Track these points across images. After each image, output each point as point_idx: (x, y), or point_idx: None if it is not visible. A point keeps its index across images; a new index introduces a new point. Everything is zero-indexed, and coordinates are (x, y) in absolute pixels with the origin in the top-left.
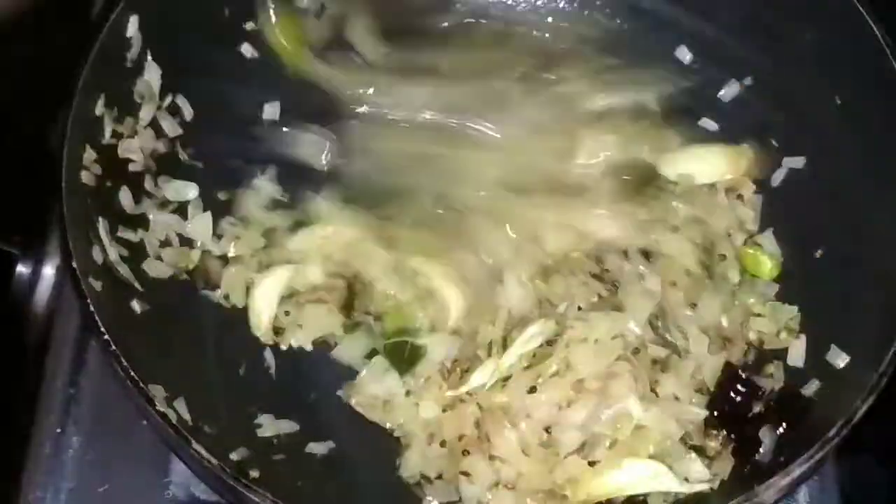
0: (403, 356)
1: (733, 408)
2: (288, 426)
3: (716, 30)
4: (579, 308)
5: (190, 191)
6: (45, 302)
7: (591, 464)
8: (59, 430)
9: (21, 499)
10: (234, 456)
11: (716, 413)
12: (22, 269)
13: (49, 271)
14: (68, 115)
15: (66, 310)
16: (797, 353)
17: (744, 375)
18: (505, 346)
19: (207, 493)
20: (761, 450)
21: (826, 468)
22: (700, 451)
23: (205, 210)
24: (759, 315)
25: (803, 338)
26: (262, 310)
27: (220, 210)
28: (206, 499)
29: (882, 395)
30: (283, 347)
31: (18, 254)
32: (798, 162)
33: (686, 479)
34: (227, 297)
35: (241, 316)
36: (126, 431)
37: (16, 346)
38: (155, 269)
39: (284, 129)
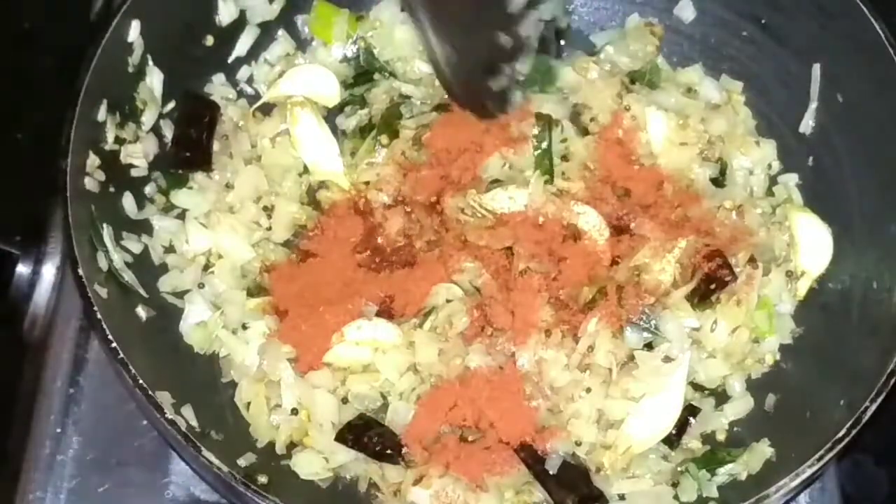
0: None
1: None
2: None
3: None
4: None
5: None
6: (45, 302)
7: None
8: (59, 430)
9: (21, 499)
10: (241, 462)
11: None
12: (22, 269)
13: (49, 271)
14: (72, 122)
15: (66, 310)
16: None
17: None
18: None
19: (207, 493)
20: None
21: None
22: None
23: None
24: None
25: None
26: None
27: None
28: (206, 499)
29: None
30: None
31: (18, 254)
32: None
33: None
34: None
35: None
36: (126, 431)
37: (16, 346)
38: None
39: None
